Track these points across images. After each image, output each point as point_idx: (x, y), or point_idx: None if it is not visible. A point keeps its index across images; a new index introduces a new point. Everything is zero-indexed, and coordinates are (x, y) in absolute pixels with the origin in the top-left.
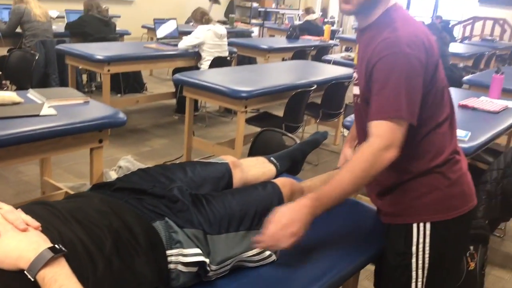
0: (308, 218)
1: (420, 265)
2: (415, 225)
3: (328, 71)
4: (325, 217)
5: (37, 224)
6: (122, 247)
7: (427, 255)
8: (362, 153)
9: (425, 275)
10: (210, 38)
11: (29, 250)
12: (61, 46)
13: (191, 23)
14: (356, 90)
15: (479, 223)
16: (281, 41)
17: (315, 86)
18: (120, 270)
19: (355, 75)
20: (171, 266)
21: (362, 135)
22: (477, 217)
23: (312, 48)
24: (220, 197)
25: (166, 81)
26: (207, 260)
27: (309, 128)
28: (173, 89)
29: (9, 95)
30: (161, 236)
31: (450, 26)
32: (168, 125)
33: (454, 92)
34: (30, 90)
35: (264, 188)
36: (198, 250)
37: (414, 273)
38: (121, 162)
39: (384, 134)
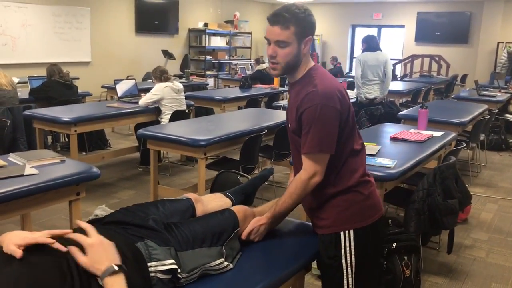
0: (266, 230)
1: (349, 264)
2: (342, 233)
3: (278, 116)
4: (272, 233)
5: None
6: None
7: (353, 256)
8: (296, 183)
9: (354, 271)
10: (168, 94)
11: (102, 264)
12: (28, 112)
13: (150, 80)
14: (289, 124)
15: (411, 236)
16: (235, 91)
17: (265, 131)
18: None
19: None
20: (152, 274)
21: (296, 155)
22: (409, 232)
23: (264, 95)
24: (187, 223)
25: (128, 136)
26: (179, 269)
27: None
28: (135, 144)
29: None
30: (142, 253)
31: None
32: (133, 177)
33: (389, 126)
34: (11, 154)
35: (222, 213)
36: (172, 261)
37: (345, 271)
38: (97, 211)
39: (309, 167)
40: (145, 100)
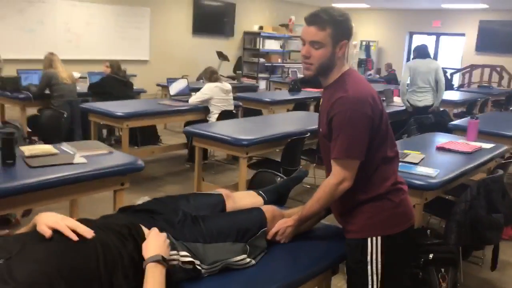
0: (292, 233)
1: (374, 271)
2: (369, 239)
3: None
4: (301, 234)
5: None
6: (139, 247)
7: (379, 263)
8: (325, 187)
9: (379, 279)
10: (217, 94)
11: (151, 252)
12: (85, 105)
13: (202, 80)
14: (320, 127)
15: (450, 249)
16: (283, 94)
17: (308, 134)
18: (140, 261)
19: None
20: (174, 262)
21: (326, 161)
22: (449, 244)
23: (312, 99)
24: (214, 217)
25: (179, 133)
26: (197, 261)
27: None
28: (185, 141)
29: (48, 147)
30: None
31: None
32: (180, 173)
33: (438, 136)
34: (63, 143)
35: (250, 211)
36: (186, 253)
37: (370, 278)
38: (139, 201)
39: (337, 173)
40: (195, 99)
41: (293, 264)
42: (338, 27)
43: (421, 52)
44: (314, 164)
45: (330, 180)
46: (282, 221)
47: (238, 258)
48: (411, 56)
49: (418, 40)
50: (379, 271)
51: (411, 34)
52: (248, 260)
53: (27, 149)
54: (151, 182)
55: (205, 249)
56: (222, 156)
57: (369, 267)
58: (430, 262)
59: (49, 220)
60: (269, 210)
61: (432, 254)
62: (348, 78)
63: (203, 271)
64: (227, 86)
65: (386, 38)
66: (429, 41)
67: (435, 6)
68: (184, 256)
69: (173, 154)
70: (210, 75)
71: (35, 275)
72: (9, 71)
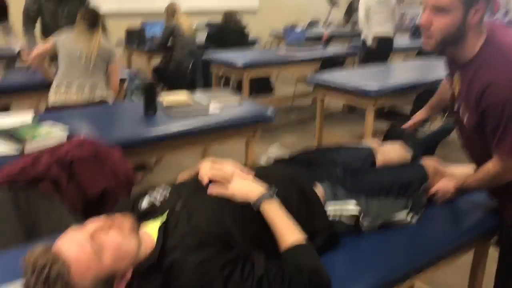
0: (452, 197)
1: None
2: None
3: None
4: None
5: (251, 175)
6: (305, 197)
7: None
8: (484, 175)
9: None
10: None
11: (256, 190)
12: (208, 56)
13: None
14: (461, 114)
15: None
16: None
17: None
18: (307, 211)
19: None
20: (336, 217)
21: (472, 151)
22: None
23: None
24: (374, 171)
25: (290, 83)
26: (361, 215)
27: (436, 125)
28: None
29: (183, 97)
30: (322, 192)
31: None
32: (296, 123)
33: None
34: (197, 93)
35: (412, 166)
36: (354, 201)
37: None
38: (272, 148)
39: (505, 165)
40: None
41: (452, 228)
42: None
43: None
44: (444, 117)
45: (490, 170)
46: (444, 183)
47: (400, 215)
48: None
49: None
50: None
51: None
52: (409, 219)
53: (165, 99)
54: (267, 133)
55: (368, 202)
56: (337, 106)
57: None
58: None
59: (207, 169)
60: (431, 165)
61: None
62: (492, 51)
63: (365, 224)
64: None
65: None
66: None
67: None
68: (352, 206)
69: (287, 105)
70: None
71: (213, 223)
72: (134, 24)
